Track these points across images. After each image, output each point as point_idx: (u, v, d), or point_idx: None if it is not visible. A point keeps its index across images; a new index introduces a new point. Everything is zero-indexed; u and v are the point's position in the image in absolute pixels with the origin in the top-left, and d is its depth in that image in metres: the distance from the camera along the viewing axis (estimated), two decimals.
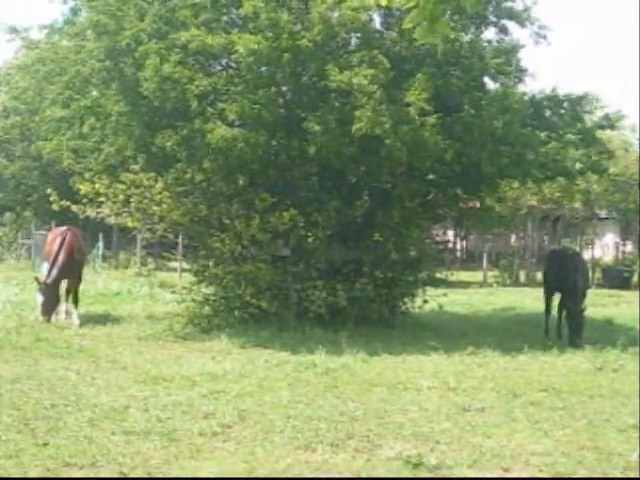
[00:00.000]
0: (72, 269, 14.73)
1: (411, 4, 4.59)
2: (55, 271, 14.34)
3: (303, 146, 12.98)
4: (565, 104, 14.92)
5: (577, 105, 14.91)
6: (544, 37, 14.70)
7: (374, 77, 12.12)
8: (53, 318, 14.12)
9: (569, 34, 68.34)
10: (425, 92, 12.38)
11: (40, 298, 14.07)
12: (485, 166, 13.19)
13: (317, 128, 12.30)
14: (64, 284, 15.01)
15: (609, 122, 15.51)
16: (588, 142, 14.17)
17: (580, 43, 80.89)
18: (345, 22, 12.73)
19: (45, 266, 15.12)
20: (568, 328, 13.78)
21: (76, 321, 14.23)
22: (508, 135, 13.18)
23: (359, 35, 13.57)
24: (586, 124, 14.87)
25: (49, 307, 14.09)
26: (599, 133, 15.12)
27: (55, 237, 15.12)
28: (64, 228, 15.46)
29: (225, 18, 13.83)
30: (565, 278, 14.25)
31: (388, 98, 12.28)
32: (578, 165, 13.80)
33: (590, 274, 30.21)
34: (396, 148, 12.27)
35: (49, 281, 14.20)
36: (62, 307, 14.82)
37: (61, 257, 14.48)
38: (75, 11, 15.15)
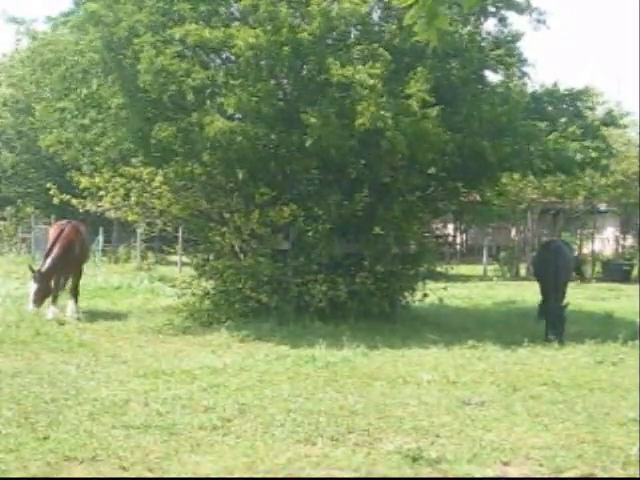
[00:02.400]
0: (70, 262, 14.72)
1: (410, 1, 4.60)
2: (49, 261, 14.37)
3: (303, 140, 12.97)
4: (566, 99, 14.88)
5: (578, 100, 14.87)
6: (544, 22, 14.57)
7: (375, 71, 12.09)
8: (51, 314, 14.08)
9: (568, 24, 68.18)
10: (426, 84, 12.36)
11: (33, 286, 14.12)
12: (489, 155, 13.15)
13: (313, 120, 12.29)
14: (67, 280, 15.04)
15: (612, 119, 15.41)
16: (589, 136, 14.12)
17: (579, 33, 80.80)
18: (344, 15, 12.71)
19: None
20: (546, 322, 13.69)
21: (69, 313, 14.23)
22: (509, 126, 13.16)
23: (359, 28, 13.55)
24: (587, 120, 14.82)
25: (40, 296, 14.10)
26: (602, 130, 15.00)
27: (55, 230, 15.19)
28: (65, 221, 15.50)
29: (224, 10, 13.79)
30: (547, 271, 14.15)
31: (389, 91, 12.26)
32: (579, 157, 13.75)
33: (590, 268, 30.45)
34: (397, 141, 12.26)
35: (43, 270, 14.23)
36: (67, 302, 14.80)
37: (56, 248, 14.50)
38: (78, 3, 15.12)
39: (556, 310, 13.36)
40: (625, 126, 16.94)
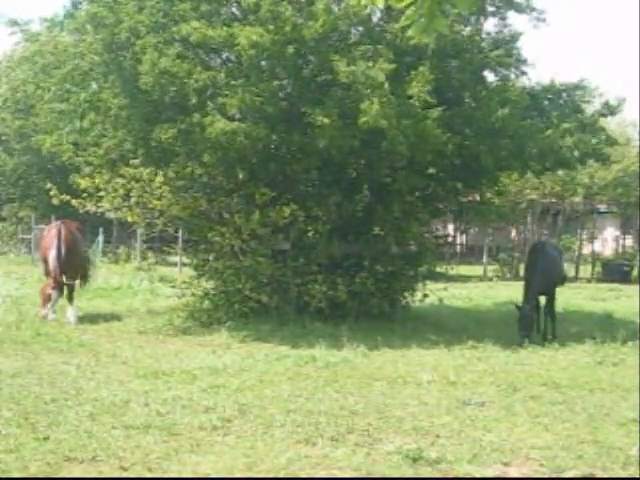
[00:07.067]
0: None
1: (407, 2, 4.58)
2: (56, 265, 14.25)
3: (304, 140, 12.95)
4: (563, 94, 14.81)
5: (575, 94, 14.78)
6: (543, 20, 14.51)
7: (383, 67, 12.07)
8: (50, 315, 14.02)
9: (571, 24, 68.17)
10: (428, 84, 12.34)
11: (54, 295, 14.11)
12: (484, 159, 13.16)
13: (326, 121, 12.16)
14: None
15: (610, 109, 15.22)
16: (587, 130, 14.03)
17: (582, 33, 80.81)
18: (348, 14, 12.70)
19: None
20: (519, 324, 13.16)
21: (70, 316, 14.18)
22: (507, 127, 13.14)
23: (361, 28, 13.54)
24: (585, 113, 14.76)
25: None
26: (601, 121, 14.91)
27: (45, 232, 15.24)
28: (54, 223, 15.47)
29: (225, 10, 13.78)
30: (528, 272, 14.00)
31: (391, 91, 12.25)
32: (577, 153, 13.70)
33: (591, 268, 30.48)
34: (398, 142, 12.24)
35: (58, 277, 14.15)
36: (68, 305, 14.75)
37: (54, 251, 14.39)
38: (76, 4, 15.11)
39: (524, 311, 13.08)
40: (621, 110, 16.35)
